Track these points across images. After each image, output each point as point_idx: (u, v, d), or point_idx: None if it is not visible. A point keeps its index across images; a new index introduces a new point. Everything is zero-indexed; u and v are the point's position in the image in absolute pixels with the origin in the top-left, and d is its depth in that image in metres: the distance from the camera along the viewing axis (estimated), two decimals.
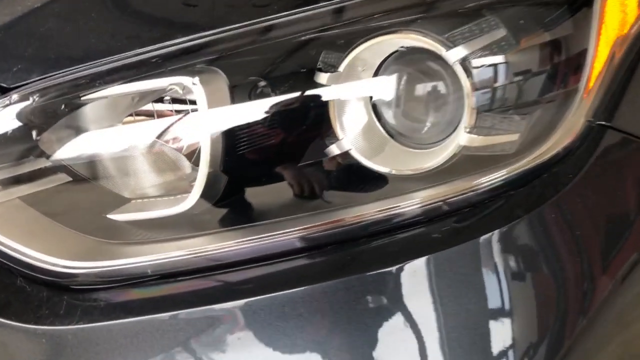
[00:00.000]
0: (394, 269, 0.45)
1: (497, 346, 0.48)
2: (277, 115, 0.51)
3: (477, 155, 0.50)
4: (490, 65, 0.48)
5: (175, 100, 0.50)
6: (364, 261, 0.48)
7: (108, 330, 0.45)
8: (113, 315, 0.44)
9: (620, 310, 0.54)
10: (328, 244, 0.48)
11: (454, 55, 0.46)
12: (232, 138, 0.50)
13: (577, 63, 0.54)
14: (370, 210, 0.49)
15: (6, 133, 0.47)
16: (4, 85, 0.47)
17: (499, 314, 0.48)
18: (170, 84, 0.46)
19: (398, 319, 0.47)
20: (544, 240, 0.49)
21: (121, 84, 0.47)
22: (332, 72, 0.50)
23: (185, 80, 0.46)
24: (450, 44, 0.47)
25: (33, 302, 0.46)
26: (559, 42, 0.53)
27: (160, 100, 0.50)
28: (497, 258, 0.48)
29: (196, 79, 0.46)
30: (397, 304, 0.47)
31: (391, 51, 0.51)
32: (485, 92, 0.48)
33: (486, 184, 0.50)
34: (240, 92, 0.51)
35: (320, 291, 0.47)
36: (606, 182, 0.54)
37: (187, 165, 0.53)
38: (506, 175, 0.50)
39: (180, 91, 0.46)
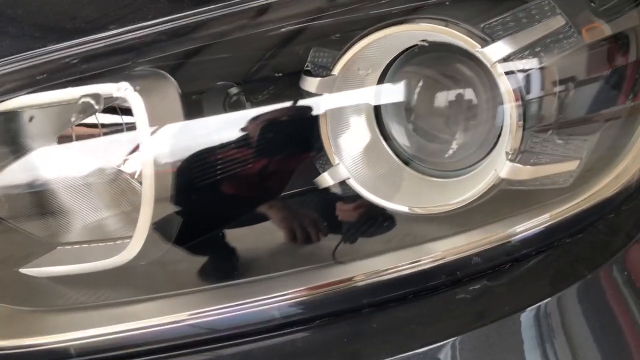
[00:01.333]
0: (409, 354, 0.32)
1: None
2: (251, 134, 0.38)
3: (520, 191, 0.37)
4: (541, 68, 0.35)
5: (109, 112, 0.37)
6: (370, 341, 0.34)
7: None
8: None
9: None
10: (318, 316, 0.35)
11: (493, 53, 0.33)
12: (188, 164, 0.37)
13: None
14: (374, 266, 0.36)
15: None
16: None
17: None
18: (92, 94, 0.33)
19: None
20: (611, 309, 0.36)
21: (29, 92, 0.34)
22: (323, 75, 0.37)
23: (115, 88, 0.33)
24: (488, 38, 0.34)
25: None
26: (627, 36, 0.40)
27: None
28: (544, 335, 0.35)
29: (129, 88, 0.32)
30: None
31: (404, 48, 0.38)
32: (535, 104, 0.35)
33: (530, 229, 0.37)
34: (201, 103, 0.38)
35: None
36: None
37: (128, 200, 0.40)
38: (558, 218, 0.37)
39: (96, 105, 0.33)
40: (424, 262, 0.36)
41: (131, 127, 0.38)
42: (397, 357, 0.32)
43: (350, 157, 0.40)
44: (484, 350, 0.34)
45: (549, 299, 0.35)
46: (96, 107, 0.33)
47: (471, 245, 0.37)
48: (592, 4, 0.40)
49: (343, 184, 0.40)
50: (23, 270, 0.38)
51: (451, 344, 0.33)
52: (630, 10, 0.42)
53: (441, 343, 0.32)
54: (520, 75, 0.35)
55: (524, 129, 0.35)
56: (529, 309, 0.34)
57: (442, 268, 0.37)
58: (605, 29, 0.40)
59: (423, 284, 0.36)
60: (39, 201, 0.40)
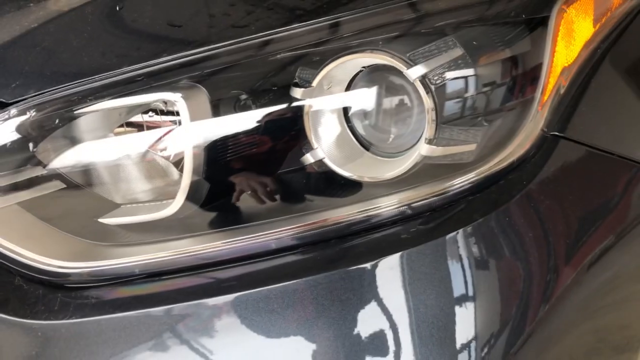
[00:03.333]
0: (367, 265, 0.50)
1: (461, 336, 0.52)
2: (256, 127, 0.55)
3: (439, 164, 0.54)
4: (448, 81, 0.53)
5: (163, 112, 0.55)
6: (340, 259, 0.52)
7: (98, 325, 0.49)
8: (103, 311, 0.49)
9: (584, 301, 0.59)
10: (305, 245, 0.53)
11: (414, 72, 0.51)
12: (213, 148, 0.54)
13: (532, 77, 0.59)
14: (343, 213, 0.54)
15: (5, 145, 0.51)
16: (3, 100, 0.51)
17: (462, 305, 0.52)
18: (156, 100, 0.51)
19: (370, 312, 0.51)
20: (499, 240, 0.54)
21: (111, 99, 0.52)
22: (306, 87, 0.55)
23: (170, 96, 0.51)
24: (411, 62, 0.51)
25: (29, 299, 0.50)
26: (516, 58, 0.58)
27: (149, 112, 0.55)
28: (458, 256, 0.53)
29: (178, 95, 0.50)
30: (370, 299, 0.51)
31: (359, 68, 0.56)
32: (444, 105, 0.53)
33: (447, 190, 0.55)
34: (222, 105, 0.55)
35: (298, 287, 0.51)
36: (559, 187, 0.59)
37: (173, 173, 0.57)
38: (464, 183, 0.54)
39: (164, 107, 0.51)
40: (374, 210, 0.54)
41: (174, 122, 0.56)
42: (358, 266, 0.50)
43: (325, 143, 0.57)
44: (415, 263, 0.51)
45: (455, 232, 0.52)
46: (164, 107, 0.51)
47: (405, 200, 0.55)
48: (498, 36, 0.58)
49: (320, 162, 0.57)
50: (100, 220, 0.56)
51: (395, 257, 0.50)
52: (521, 39, 0.60)
53: (388, 257, 0.50)
54: (434, 87, 0.52)
55: (436, 123, 0.53)
56: (444, 238, 0.52)
57: (387, 215, 0.54)
58: (502, 53, 0.58)
59: (375, 224, 0.54)
60: (109, 173, 0.57)
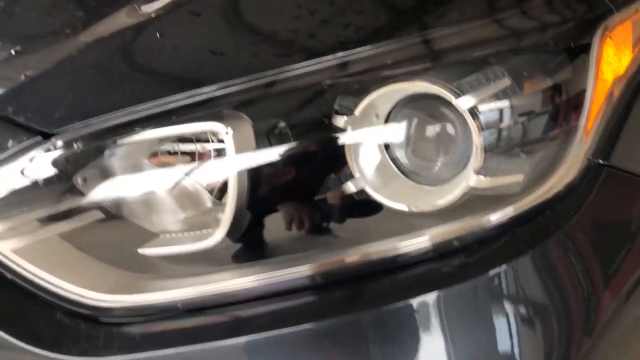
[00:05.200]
0: (407, 303, 0.49)
1: None
2: (298, 156, 0.54)
3: (485, 195, 0.53)
4: (496, 110, 0.52)
5: (205, 141, 0.54)
6: (378, 296, 0.51)
7: None
8: (149, 347, 0.48)
9: (622, 334, 0.58)
10: (345, 280, 0.52)
11: (464, 103, 0.50)
12: (256, 179, 0.53)
13: (576, 105, 0.58)
14: (384, 246, 0.53)
15: (47, 175, 0.51)
16: (46, 130, 0.51)
17: (507, 343, 0.51)
18: (202, 130, 0.50)
19: (410, 353, 0.50)
20: (547, 272, 0.53)
21: (154, 129, 0.51)
22: (348, 115, 0.54)
23: (216, 126, 0.50)
24: (460, 92, 0.51)
25: (72, 335, 0.49)
26: (560, 85, 0.58)
27: (192, 141, 0.54)
28: (505, 291, 0.52)
29: (223, 127, 0.50)
30: (410, 339, 0.50)
31: (402, 96, 0.55)
32: (492, 135, 0.52)
33: (494, 221, 0.54)
34: (264, 134, 0.54)
35: (336, 325, 0.50)
36: (604, 216, 0.58)
37: (212, 203, 0.56)
38: (512, 213, 0.53)
39: (212, 138, 0.50)
40: (417, 243, 0.53)
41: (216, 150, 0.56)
42: (397, 304, 0.49)
43: (367, 172, 0.57)
44: (459, 300, 0.50)
45: (503, 265, 0.51)
46: (212, 138, 0.50)
47: (451, 232, 0.54)
48: (541, 64, 0.58)
49: (362, 191, 0.57)
50: (140, 251, 0.55)
51: (437, 295, 0.49)
52: (564, 67, 0.59)
53: (429, 294, 0.49)
54: (482, 116, 0.52)
55: (484, 154, 0.52)
56: (490, 272, 0.51)
57: (431, 248, 0.53)
58: (546, 81, 0.57)
59: (417, 257, 0.53)
60: (148, 203, 0.56)
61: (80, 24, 0.57)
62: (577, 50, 0.59)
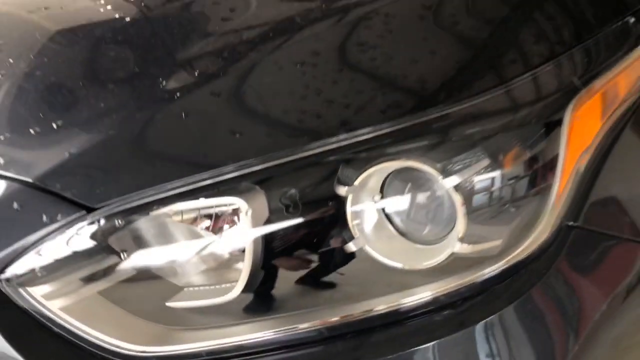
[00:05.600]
0: (400, 355, 0.57)
1: None
2: (306, 222, 0.62)
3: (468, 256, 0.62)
4: (477, 185, 0.60)
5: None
6: (376, 347, 0.59)
7: None
8: None
9: None
10: (348, 333, 0.60)
11: (449, 182, 0.58)
12: (270, 242, 0.61)
13: (549, 175, 0.66)
14: (380, 303, 0.61)
15: (90, 245, 0.59)
16: (89, 205, 0.59)
17: None
18: (223, 203, 0.58)
19: None
20: (522, 325, 0.61)
21: (183, 202, 0.59)
22: (349, 184, 0.63)
23: (235, 200, 0.59)
24: (446, 172, 0.59)
25: None
26: (536, 157, 0.66)
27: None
28: (489, 341, 0.60)
29: (242, 201, 0.58)
30: None
31: (397, 168, 0.63)
32: (474, 207, 0.60)
33: (474, 280, 0.62)
34: (277, 203, 0.62)
35: None
36: (574, 271, 0.66)
37: (232, 261, 0.64)
38: (490, 273, 0.62)
39: (231, 210, 0.59)
40: (410, 299, 0.61)
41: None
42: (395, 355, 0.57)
43: (365, 233, 0.65)
44: (449, 351, 0.58)
45: (483, 320, 0.60)
46: (230, 210, 0.58)
47: (438, 289, 0.62)
48: (519, 140, 0.66)
49: (361, 250, 0.65)
50: (168, 304, 0.63)
51: (431, 345, 0.57)
52: (540, 141, 0.67)
53: (425, 345, 0.57)
54: (464, 192, 0.60)
55: (466, 224, 0.60)
56: (477, 325, 0.59)
57: (421, 304, 0.62)
58: (523, 155, 0.65)
59: (410, 312, 0.61)
60: (177, 261, 0.64)
61: (116, 105, 0.65)
62: (550, 125, 0.67)
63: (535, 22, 0.79)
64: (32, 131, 0.66)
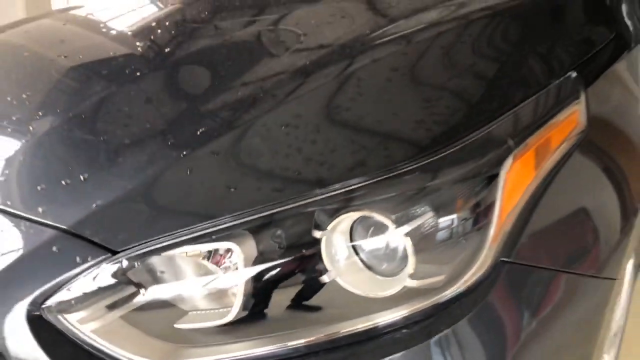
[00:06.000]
0: None
1: None
2: (288, 259, 0.77)
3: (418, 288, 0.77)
4: (425, 232, 0.75)
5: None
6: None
7: None
8: None
9: None
10: (324, 350, 0.75)
11: (401, 231, 0.73)
12: (259, 275, 0.76)
13: (487, 221, 0.81)
14: (350, 324, 0.76)
15: (113, 281, 0.74)
16: (113, 248, 0.73)
17: None
18: (221, 247, 0.73)
19: None
20: (461, 345, 0.76)
21: (189, 245, 0.74)
22: (323, 229, 0.77)
23: (230, 244, 0.73)
24: (399, 223, 0.74)
25: None
26: (477, 205, 0.81)
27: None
28: (438, 354, 0.75)
29: (235, 245, 0.73)
30: None
31: (360, 217, 0.78)
32: (422, 249, 0.75)
33: (424, 307, 0.77)
34: (264, 245, 0.77)
35: None
36: (506, 300, 0.81)
37: (229, 291, 0.79)
38: (435, 302, 0.77)
39: (224, 252, 0.73)
40: (372, 323, 0.76)
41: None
42: None
43: (336, 266, 0.79)
44: None
45: (428, 340, 0.75)
46: (224, 252, 0.73)
47: (398, 313, 0.77)
48: (463, 191, 0.80)
49: (333, 281, 0.79)
50: (176, 325, 0.78)
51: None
52: (480, 191, 0.82)
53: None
54: (414, 239, 0.75)
55: (415, 264, 0.75)
56: (421, 344, 0.74)
57: (383, 326, 0.76)
58: (465, 204, 0.80)
59: (371, 333, 0.76)
60: (183, 292, 0.79)
61: (132, 162, 0.79)
62: (488, 179, 0.82)
63: (483, 85, 0.94)
64: (63, 183, 0.81)
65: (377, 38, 1.05)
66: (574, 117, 0.97)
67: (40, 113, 0.94)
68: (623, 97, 1.23)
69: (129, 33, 1.28)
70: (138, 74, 0.97)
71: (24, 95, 1.03)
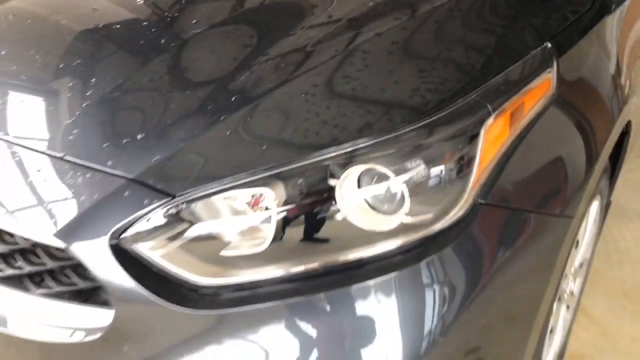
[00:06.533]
0: (368, 283, 0.94)
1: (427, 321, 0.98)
2: (310, 202, 0.97)
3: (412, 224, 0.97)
4: (419, 180, 0.95)
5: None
6: (358, 278, 0.96)
7: (226, 314, 0.94)
8: (228, 305, 0.93)
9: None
10: (337, 271, 0.96)
11: (400, 179, 0.93)
12: (286, 214, 0.96)
13: (469, 169, 1.01)
14: (357, 252, 0.97)
15: (173, 218, 0.94)
16: (172, 193, 0.93)
17: (430, 302, 0.97)
18: (259, 191, 0.93)
19: (375, 308, 0.96)
20: (445, 267, 0.98)
21: (231, 190, 0.94)
22: (337, 178, 0.97)
23: (266, 190, 0.93)
24: (397, 173, 0.93)
25: (191, 300, 0.93)
26: (462, 157, 1.00)
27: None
28: (427, 274, 0.97)
29: (271, 192, 0.92)
30: (370, 307, 0.95)
31: (366, 169, 0.98)
32: (417, 192, 0.95)
33: (417, 238, 0.98)
34: (292, 188, 0.97)
35: (335, 296, 0.96)
36: (481, 234, 1.02)
37: (263, 226, 0.99)
38: (425, 235, 0.97)
39: (258, 196, 0.94)
40: (373, 250, 0.97)
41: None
42: (363, 284, 0.94)
43: (348, 207, 0.99)
44: (399, 283, 0.95)
45: (419, 263, 0.96)
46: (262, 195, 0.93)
47: (394, 244, 0.98)
48: (449, 146, 1.00)
49: (344, 219, 0.99)
50: (221, 253, 0.99)
51: (382, 279, 0.94)
52: (464, 147, 1.02)
53: (380, 277, 0.94)
54: (410, 184, 0.95)
55: (410, 205, 0.95)
56: (415, 265, 0.96)
57: (381, 253, 0.98)
58: (451, 156, 1.00)
59: (376, 258, 0.97)
60: (228, 227, 1.00)
61: (181, 125, 0.98)
62: (471, 137, 1.01)
63: (468, 57, 1.11)
64: (125, 141, 1.00)
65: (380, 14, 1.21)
66: (546, 84, 1.15)
67: (101, 82, 1.12)
68: (595, 58, 1.40)
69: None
70: (185, 40, 1.13)
71: (79, 66, 1.21)
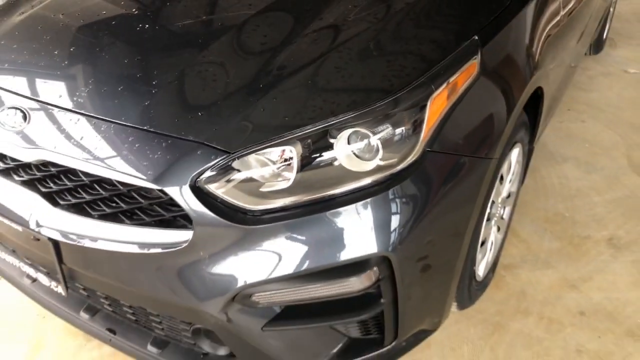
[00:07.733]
0: (355, 204, 1.47)
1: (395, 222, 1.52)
2: (317, 155, 1.48)
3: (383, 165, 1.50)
4: (389, 137, 1.47)
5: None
6: (349, 201, 1.48)
7: (266, 228, 1.45)
8: (267, 222, 1.45)
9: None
10: (326, 200, 1.48)
11: (376, 138, 1.46)
12: (302, 163, 1.46)
13: (420, 127, 1.53)
14: (345, 185, 1.49)
15: (231, 169, 1.43)
16: (229, 151, 1.42)
17: (397, 216, 1.50)
18: (286, 149, 1.43)
19: (355, 220, 1.49)
20: (404, 193, 1.50)
21: (268, 148, 1.44)
22: (334, 138, 1.48)
23: (289, 148, 1.44)
24: (374, 133, 1.45)
25: (239, 217, 1.45)
26: (417, 120, 1.52)
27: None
28: (390, 198, 1.50)
29: (293, 148, 1.43)
30: (355, 220, 1.49)
31: (354, 131, 1.48)
32: (387, 144, 1.47)
33: (385, 175, 1.50)
34: (308, 147, 1.47)
35: (336, 212, 1.48)
36: (427, 174, 1.55)
37: (288, 171, 1.50)
38: (392, 172, 1.50)
39: (284, 152, 1.44)
40: (356, 183, 1.49)
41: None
42: (347, 207, 1.47)
43: (341, 155, 1.51)
44: (375, 204, 1.48)
45: (385, 192, 1.49)
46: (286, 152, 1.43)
47: (370, 180, 1.50)
48: (405, 115, 1.52)
49: (339, 163, 1.51)
50: (261, 189, 1.49)
51: (363, 201, 1.47)
52: (418, 113, 1.53)
53: (361, 201, 1.47)
54: (381, 139, 1.47)
55: (382, 153, 1.47)
56: (382, 194, 1.48)
57: (360, 186, 1.50)
58: (408, 118, 1.52)
59: (358, 189, 1.50)
60: (262, 176, 1.51)
61: (234, 102, 1.47)
62: (421, 107, 1.53)
63: (419, 49, 1.62)
64: (191, 116, 1.48)
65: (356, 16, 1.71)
66: (472, 67, 1.67)
67: (167, 69, 1.60)
68: (514, 38, 1.92)
69: None
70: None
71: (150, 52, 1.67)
